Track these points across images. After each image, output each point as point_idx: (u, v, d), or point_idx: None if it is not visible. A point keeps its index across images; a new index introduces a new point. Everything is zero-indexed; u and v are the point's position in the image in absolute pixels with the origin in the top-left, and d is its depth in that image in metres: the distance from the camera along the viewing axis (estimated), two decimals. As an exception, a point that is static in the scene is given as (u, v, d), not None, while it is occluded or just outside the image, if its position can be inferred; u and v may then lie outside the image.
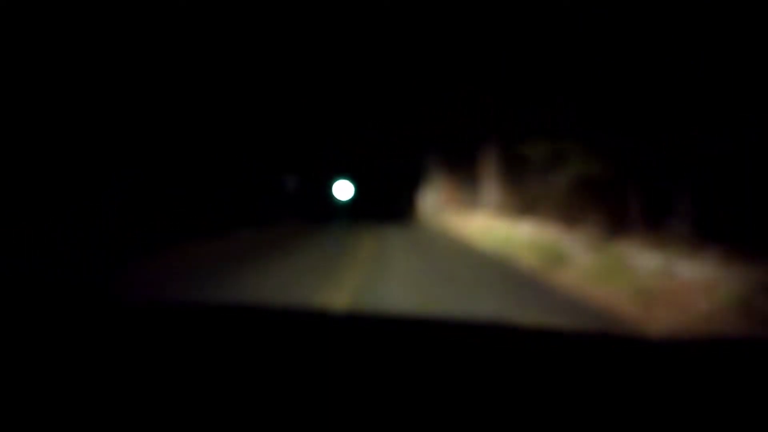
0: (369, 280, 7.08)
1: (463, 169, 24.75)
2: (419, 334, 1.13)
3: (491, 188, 17.99)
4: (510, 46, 11.78)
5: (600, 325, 4.68)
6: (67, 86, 9.77)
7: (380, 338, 1.08)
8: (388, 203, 44.93)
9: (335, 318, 1.50)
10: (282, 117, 22.79)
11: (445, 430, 0.71)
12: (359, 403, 0.77)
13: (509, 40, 11.61)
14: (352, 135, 28.91)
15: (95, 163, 10.64)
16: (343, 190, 41.54)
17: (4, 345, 0.95)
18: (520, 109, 13.97)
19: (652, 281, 5.57)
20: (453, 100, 18.01)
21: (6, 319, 1.07)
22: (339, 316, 1.66)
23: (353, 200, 44.60)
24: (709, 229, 6.84)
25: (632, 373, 0.90)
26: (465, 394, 0.80)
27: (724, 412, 0.75)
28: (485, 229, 14.08)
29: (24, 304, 1.18)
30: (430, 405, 0.76)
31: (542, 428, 0.72)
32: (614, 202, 9.80)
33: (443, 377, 0.85)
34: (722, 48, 7.49)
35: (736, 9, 7.14)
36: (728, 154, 7.65)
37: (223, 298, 5.40)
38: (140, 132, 12.16)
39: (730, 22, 7.25)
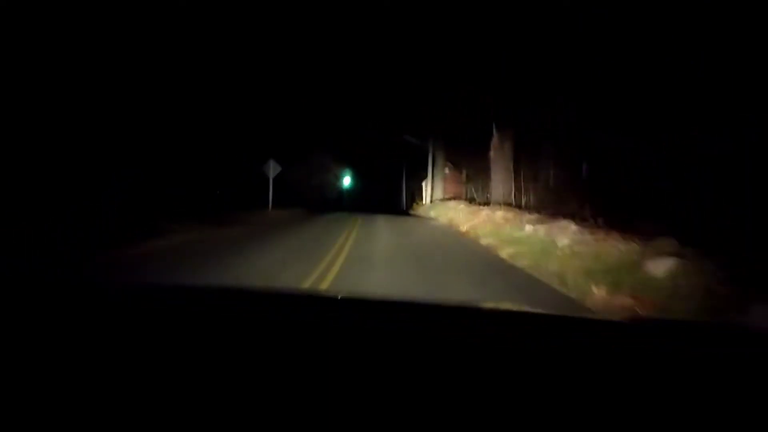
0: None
1: (469, 161, 21.76)
2: (409, 317, 1.14)
3: (502, 181, 15.81)
4: (512, 46, 11.71)
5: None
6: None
7: (370, 322, 1.08)
8: (387, 194, 41.22)
9: (329, 299, 1.47)
10: (276, 103, 21.27)
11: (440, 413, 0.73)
12: (352, 387, 0.78)
13: (511, 39, 11.54)
14: (351, 124, 26.74)
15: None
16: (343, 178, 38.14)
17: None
18: (525, 107, 13.79)
19: None
20: (460, 91, 17.00)
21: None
22: (332, 297, 1.58)
23: (349, 189, 40.61)
24: None
25: (603, 351, 0.93)
26: (450, 377, 0.81)
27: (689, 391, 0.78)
28: (507, 230, 9.98)
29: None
30: (424, 390, 0.77)
31: (521, 408, 0.74)
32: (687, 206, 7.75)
33: (433, 363, 0.86)
34: (722, 48, 7.46)
35: (735, 9, 7.11)
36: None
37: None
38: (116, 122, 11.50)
39: (730, 23, 7.22)
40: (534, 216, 10.88)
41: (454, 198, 22.86)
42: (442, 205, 21.53)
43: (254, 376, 0.84)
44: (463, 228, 12.69)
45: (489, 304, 1.65)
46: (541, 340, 0.99)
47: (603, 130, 10.64)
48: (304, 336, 1.01)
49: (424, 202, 28.69)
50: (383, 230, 12.94)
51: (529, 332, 1.07)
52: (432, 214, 20.74)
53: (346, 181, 38.97)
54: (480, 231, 11.07)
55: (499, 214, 12.48)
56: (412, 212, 27.07)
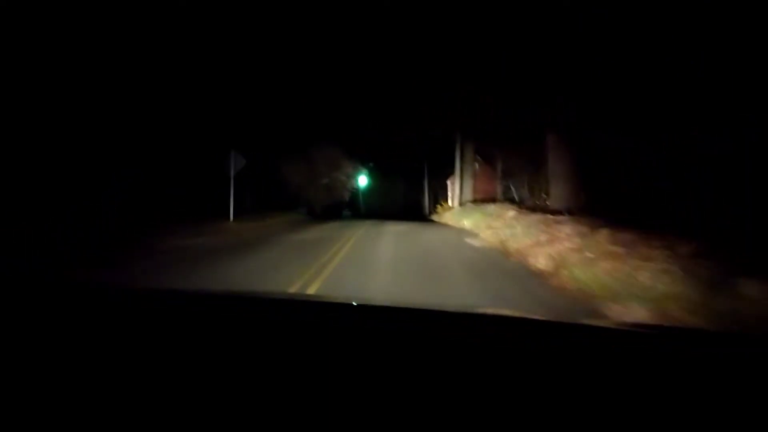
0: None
1: (507, 152, 17.62)
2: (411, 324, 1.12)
3: (564, 177, 11.33)
4: (512, 45, 11.62)
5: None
6: None
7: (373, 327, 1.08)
8: (407, 194, 36.30)
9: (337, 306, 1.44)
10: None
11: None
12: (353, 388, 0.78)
13: (512, 38, 11.46)
14: (364, 113, 22.20)
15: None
16: None
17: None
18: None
19: None
20: (460, 91, 15.26)
21: None
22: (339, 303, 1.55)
23: (365, 190, 34.76)
24: None
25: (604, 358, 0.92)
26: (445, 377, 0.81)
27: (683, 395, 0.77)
28: (654, 277, 4.53)
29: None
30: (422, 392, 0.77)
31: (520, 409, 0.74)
32: None
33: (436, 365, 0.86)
34: (722, 48, 7.47)
35: (735, 9, 7.12)
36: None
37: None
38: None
39: (729, 23, 7.22)
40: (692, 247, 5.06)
41: (488, 200, 17.80)
42: (477, 211, 14.90)
43: (254, 376, 0.84)
44: (539, 262, 6.49)
45: (488, 309, 1.65)
46: (541, 340, 0.99)
47: (603, 130, 10.63)
48: (304, 336, 1.01)
49: (451, 204, 23.10)
50: (383, 271, 6.24)
51: (529, 333, 1.07)
52: (465, 224, 14.11)
53: (362, 180, 32.95)
54: (586, 275, 5.20)
55: (605, 234, 6.19)
56: (436, 219, 20.87)
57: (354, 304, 1.38)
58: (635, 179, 9.82)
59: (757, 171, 6.99)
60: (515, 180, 17.61)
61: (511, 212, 11.58)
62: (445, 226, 15.72)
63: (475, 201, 18.74)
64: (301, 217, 18.03)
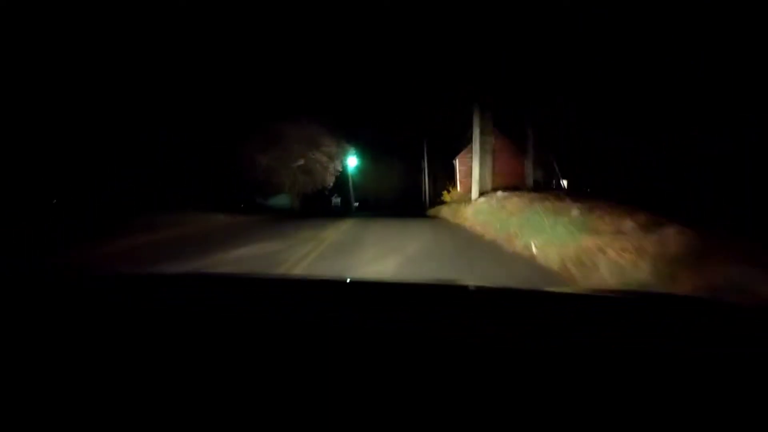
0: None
1: (540, 119, 13.23)
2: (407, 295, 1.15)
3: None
4: (512, 44, 11.51)
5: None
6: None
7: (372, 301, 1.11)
8: (406, 178, 29.80)
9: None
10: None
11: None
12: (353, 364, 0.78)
13: (512, 38, 11.35)
14: (354, 80, 17.90)
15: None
16: None
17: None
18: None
19: None
20: (460, 91, 13.35)
21: None
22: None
23: (355, 174, 28.53)
24: None
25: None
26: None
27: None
28: None
29: None
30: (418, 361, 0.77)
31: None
32: None
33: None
34: (721, 49, 7.46)
35: (735, 9, 7.12)
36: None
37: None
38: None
39: (729, 23, 7.22)
40: None
41: (510, 186, 12.59)
42: (532, 212, 6.88)
43: (252, 378, 0.85)
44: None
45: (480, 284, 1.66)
46: (541, 340, 1.00)
47: (603, 130, 10.61)
48: (303, 337, 1.01)
49: (460, 190, 17.81)
50: None
51: (529, 332, 1.09)
52: (533, 246, 5.18)
53: (351, 162, 26.28)
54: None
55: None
56: (448, 216, 13.45)
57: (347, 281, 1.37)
58: (635, 179, 9.84)
59: (757, 171, 6.99)
60: (577, 163, 11.38)
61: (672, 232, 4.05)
62: (479, 241, 6.99)
63: (507, 191, 11.36)
64: (229, 223, 10.96)
